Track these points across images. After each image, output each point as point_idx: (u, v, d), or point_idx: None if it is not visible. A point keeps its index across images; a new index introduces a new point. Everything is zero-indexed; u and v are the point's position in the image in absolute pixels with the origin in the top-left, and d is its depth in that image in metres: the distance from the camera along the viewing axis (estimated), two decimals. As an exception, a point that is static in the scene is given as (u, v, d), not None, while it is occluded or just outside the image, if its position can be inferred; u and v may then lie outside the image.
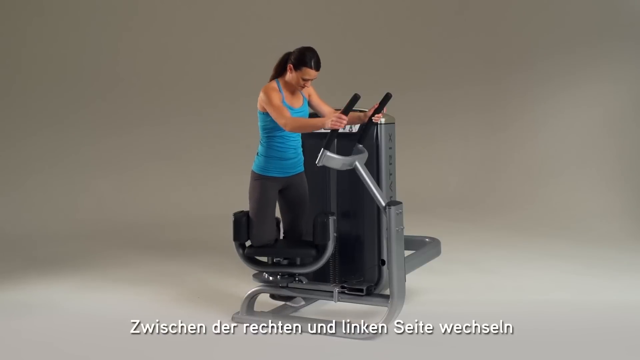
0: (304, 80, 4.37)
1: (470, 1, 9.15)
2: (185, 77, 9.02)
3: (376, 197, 4.29)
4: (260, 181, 4.45)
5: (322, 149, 4.22)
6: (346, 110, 4.28)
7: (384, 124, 4.74)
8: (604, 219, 7.34)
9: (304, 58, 4.34)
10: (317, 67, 4.37)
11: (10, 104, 8.54)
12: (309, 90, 4.58)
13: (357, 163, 4.32)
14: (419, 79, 9.15)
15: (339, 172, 4.72)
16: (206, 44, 9.08)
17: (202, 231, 7.40)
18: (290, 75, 4.40)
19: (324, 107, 4.60)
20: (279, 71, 4.47)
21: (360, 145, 4.46)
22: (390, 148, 4.80)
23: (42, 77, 8.63)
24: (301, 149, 4.61)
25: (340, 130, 4.32)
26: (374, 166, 4.70)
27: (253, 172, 4.50)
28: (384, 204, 4.25)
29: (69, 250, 6.81)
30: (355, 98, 4.25)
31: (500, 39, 8.97)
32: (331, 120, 4.12)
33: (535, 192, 8.18)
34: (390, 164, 4.81)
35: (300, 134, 4.56)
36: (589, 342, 4.18)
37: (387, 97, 4.46)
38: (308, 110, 4.58)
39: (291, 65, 4.38)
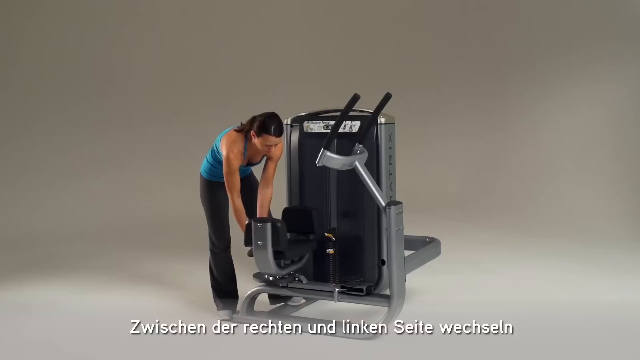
0: (267, 146, 4.45)
1: (471, 2, 9.15)
2: (186, 77, 9.02)
3: (376, 197, 4.29)
4: (209, 185, 4.68)
5: (322, 149, 4.23)
6: (346, 110, 4.29)
7: (384, 124, 4.74)
8: (604, 219, 7.34)
9: (265, 126, 4.41)
10: (277, 134, 4.43)
11: (10, 103, 8.53)
12: (275, 154, 4.61)
13: (357, 163, 4.32)
14: (419, 79, 9.15)
15: (339, 172, 4.72)
16: (206, 44, 9.08)
17: (201, 231, 7.35)
18: (254, 140, 4.48)
19: (267, 173, 4.66)
20: (248, 129, 4.52)
21: (360, 145, 4.46)
22: (390, 148, 4.79)
23: (42, 77, 8.63)
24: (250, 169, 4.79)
25: (340, 130, 4.32)
26: (374, 166, 4.70)
27: (201, 176, 4.73)
28: (384, 204, 4.25)
29: (69, 250, 6.81)
30: (355, 98, 4.26)
31: (500, 39, 8.97)
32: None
33: (535, 192, 8.17)
34: (390, 164, 4.81)
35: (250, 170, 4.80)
36: (589, 342, 4.18)
37: (387, 97, 4.46)
38: (258, 166, 4.73)
39: (253, 133, 4.45)
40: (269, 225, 4.32)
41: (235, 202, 4.50)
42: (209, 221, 4.72)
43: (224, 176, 4.50)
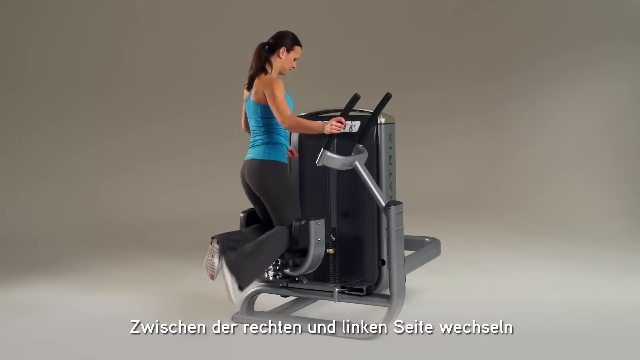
0: (295, 60, 4.38)
1: (470, 2, 9.15)
2: (186, 77, 9.02)
3: (376, 197, 4.29)
4: (283, 169, 4.36)
5: (322, 149, 4.23)
6: (347, 110, 4.30)
7: (384, 124, 4.74)
8: (604, 219, 7.34)
9: (291, 38, 4.35)
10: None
11: (12, 104, 8.53)
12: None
13: (357, 163, 4.33)
14: (419, 79, 9.15)
15: (339, 172, 4.72)
16: (206, 45, 9.08)
17: (201, 231, 7.38)
18: (282, 60, 4.36)
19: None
20: (263, 65, 4.38)
21: (360, 145, 4.46)
22: (390, 148, 4.79)
23: (44, 77, 8.63)
24: None
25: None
26: (374, 166, 4.70)
27: (271, 162, 4.31)
28: (384, 204, 4.25)
29: (69, 250, 6.82)
30: (355, 98, 4.26)
31: (500, 39, 8.98)
32: (330, 125, 4.14)
33: (535, 192, 8.18)
34: (390, 164, 4.81)
35: None
36: (589, 342, 4.18)
37: (387, 97, 4.46)
38: None
39: (284, 49, 4.35)
40: (323, 221, 4.37)
41: (288, 114, 4.17)
42: (288, 209, 4.32)
43: (274, 104, 4.16)
